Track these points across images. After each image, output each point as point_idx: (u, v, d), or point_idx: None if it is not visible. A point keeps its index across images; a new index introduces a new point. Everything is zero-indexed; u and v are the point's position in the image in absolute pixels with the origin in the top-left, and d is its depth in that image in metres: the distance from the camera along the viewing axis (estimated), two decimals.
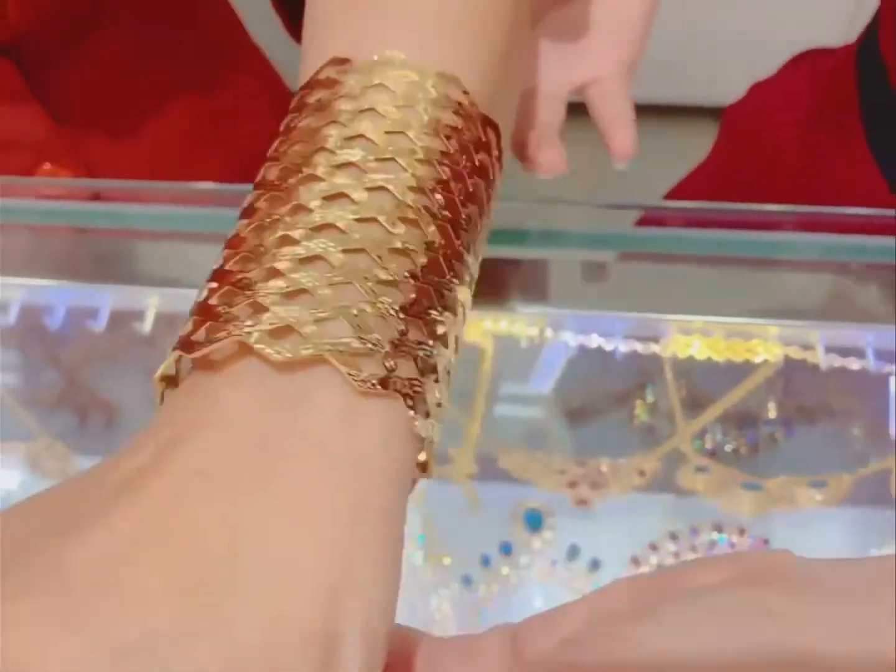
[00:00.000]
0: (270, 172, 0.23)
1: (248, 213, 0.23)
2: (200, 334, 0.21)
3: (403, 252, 0.22)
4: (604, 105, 0.34)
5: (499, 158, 0.25)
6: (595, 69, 0.34)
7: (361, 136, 0.22)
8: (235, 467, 0.19)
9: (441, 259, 0.22)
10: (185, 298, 0.22)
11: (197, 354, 0.20)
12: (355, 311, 0.20)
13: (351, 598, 0.19)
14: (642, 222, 0.40)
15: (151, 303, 0.42)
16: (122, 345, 0.46)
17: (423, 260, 0.22)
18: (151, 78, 0.57)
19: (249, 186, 0.24)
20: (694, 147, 0.80)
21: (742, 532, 0.58)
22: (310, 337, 0.20)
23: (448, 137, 0.23)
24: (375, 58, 0.23)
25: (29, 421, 0.52)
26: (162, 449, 0.20)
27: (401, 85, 0.23)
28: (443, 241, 0.22)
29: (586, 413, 0.52)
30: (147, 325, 0.43)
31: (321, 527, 0.19)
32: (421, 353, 0.21)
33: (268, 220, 0.22)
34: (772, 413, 0.52)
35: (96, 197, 0.42)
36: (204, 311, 0.21)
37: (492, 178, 0.25)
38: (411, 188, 0.22)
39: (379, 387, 0.20)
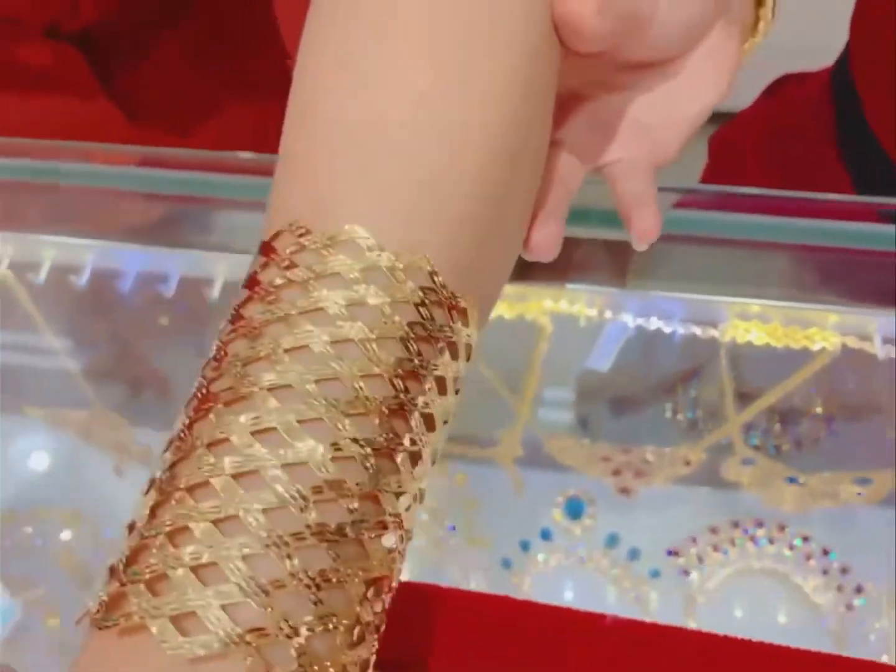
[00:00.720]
0: (209, 374, 0.22)
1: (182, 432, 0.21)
2: (113, 600, 0.20)
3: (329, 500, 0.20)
4: (627, 183, 0.32)
5: (477, 324, 0.23)
6: (623, 153, 0.32)
7: (306, 346, 0.21)
8: None
9: (368, 495, 0.21)
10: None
11: (104, 628, 0.20)
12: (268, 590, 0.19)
13: None
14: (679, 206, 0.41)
15: (220, 270, 0.43)
16: (184, 316, 0.47)
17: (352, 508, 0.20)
18: (213, 77, 0.58)
19: None
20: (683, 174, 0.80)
21: (782, 528, 0.58)
22: (215, 626, 0.19)
23: (406, 340, 0.21)
24: (333, 232, 0.21)
25: (86, 389, 0.53)
26: None
27: (356, 275, 0.21)
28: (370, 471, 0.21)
29: (635, 401, 0.53)
30: (215, 292, 0.44)
31: None
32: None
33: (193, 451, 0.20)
34: (819, 409, 0.52)
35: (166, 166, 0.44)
36: (115, 574, 0.20)
37: (457, 354, 0.23)
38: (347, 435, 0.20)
39: None
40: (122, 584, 0.20)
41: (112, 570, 0.21)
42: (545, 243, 0.29)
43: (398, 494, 0.21)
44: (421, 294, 0.22)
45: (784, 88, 0.64)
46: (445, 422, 0.23)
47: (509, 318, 0.42)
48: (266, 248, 0.22)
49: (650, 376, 0.50)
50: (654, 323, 0.41)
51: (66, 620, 0.51)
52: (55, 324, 0.48)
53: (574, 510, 0.60)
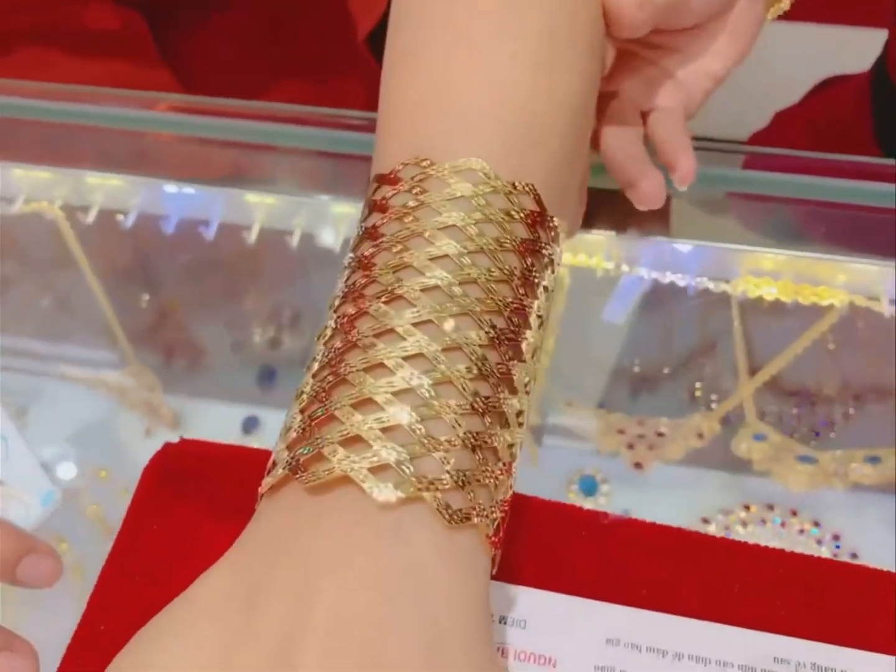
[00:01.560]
0: (359, 281, 0.25)
1: (344, 327, 0.25)
2: (308, 458, 0.23)
3: (482, 376, 0.24)
4: (667, 130, 0.36)
5: (559, 244, 0.28)
6: (663, 101, 0.37)
7: (446, 256, 0.25)
8: (362, 617, 0.22)
9: (506, 374, 0.25)
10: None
11: (309, 483, 0.23)
12: (446, 447, 0.23)
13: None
14: None
15: (257, 217, 0.46)
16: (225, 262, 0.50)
17: (494, 381, 0.24)
18: (271, 55, 0.62)
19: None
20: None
21: (794, 513, 0.59)
22: (408, 476, 0.23)
23: (523, 253, 0.26)
24: (456, 163, 0.25)
25: (125, 348, 0.55)
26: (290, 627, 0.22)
27: (478, 198, 0.25)
28: (506, 358, 0.25)
29: (651, 372, 0.54)
30: (252, 236, 0.46)
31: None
32: (493, 478, 0.24)
33: (360, 341, 0.24)
34: (831, 388, 0.53)
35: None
36: (309, 432, 0.24)
37: (554, 269, 0.27)
38: (489, 314, 0.25)
39: (465, 520, 0.23)
40: (313, 448, 0.23)
41: (295, 440, 0.24)
42: (654, 191, 0.34)
43: (525, 374, 0.26)
44: (530, 215, 0.26)
45: (826, 90, 0.66)
46: (541, 325, 0.27)
47: None
48: (392, 179, 0.26)
49: (666, 347, 0.51)
50: (669, 277, 0.43)
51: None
52: (99, 268, 0.50)
53: (587, 489, 0.61)
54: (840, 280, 0.42)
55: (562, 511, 0.32)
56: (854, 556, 0.56)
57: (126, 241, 0.48)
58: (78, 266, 0.50)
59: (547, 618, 0.30)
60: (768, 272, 0.42)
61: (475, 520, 0.23)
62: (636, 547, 0.31)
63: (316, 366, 0.25)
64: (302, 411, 0.25)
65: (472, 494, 0.23)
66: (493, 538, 0.24)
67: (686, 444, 0.55)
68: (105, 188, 0.46)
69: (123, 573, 0.30)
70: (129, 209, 0.47)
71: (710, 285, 0.43)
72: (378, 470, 0.23)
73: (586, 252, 0.43)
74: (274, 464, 0.25)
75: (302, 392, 0.25)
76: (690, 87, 0.37)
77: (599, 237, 0.42)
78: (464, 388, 0.24)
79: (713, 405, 0.53)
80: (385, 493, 0.22)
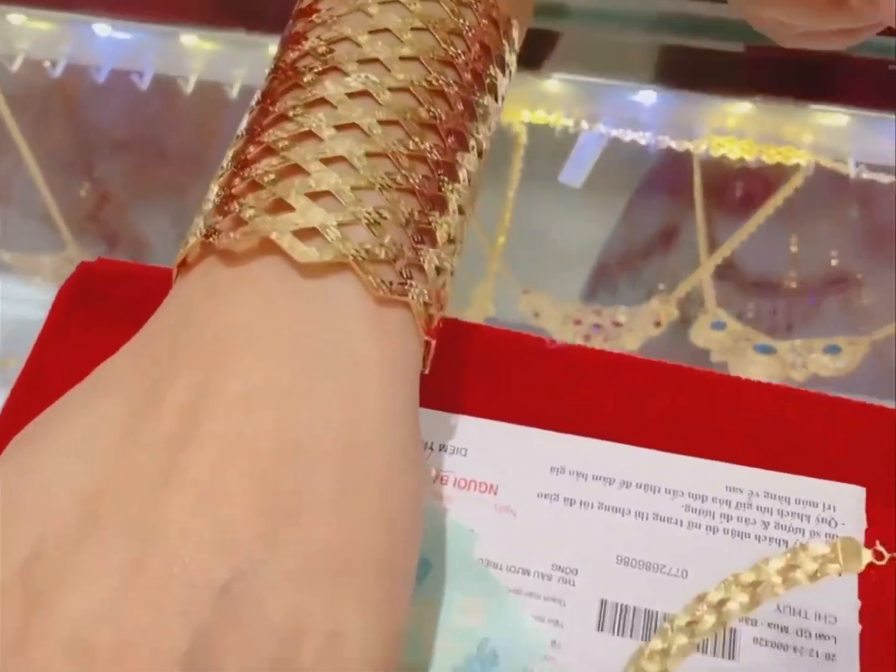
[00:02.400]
0: (290, 55, 0.23)
1: (267, 103, 0.23)
2: (224, 224, 0.21)
3: (422, 158, 0.22)
4: None
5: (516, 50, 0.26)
6: None
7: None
8: (278, 388, 0.20)
9: (452, 134, 0.23)
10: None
11: (224, 246, 0.21)
12: (378, 219, 0.21)
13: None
14: None
15: (194, 67, 0.43)
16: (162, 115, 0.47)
17: (433, 161, 0.22)
18: None
19: None
20: None
21: None
22: (334, 243, 0.20)
23: (471, 39, 0.23)
24: None
25: (64, 232, 0.52)
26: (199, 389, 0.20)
27: None
28: (448, 142, 0.23)
29: (609, 261, 0.52)
30: (189, 87, 0.43)
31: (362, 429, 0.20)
32: (432, 257, 0.22)
33: (288, 111, 0.22)
34: (792, 277, 0.52)
35: None
36: (228, 200, 0.21)
37: (504, 71, 0.25)
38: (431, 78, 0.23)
39: (395, 294, 0.21)
40: (232, 212, 0.21)
41: (211, 211, 0.22)
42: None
43: (476, 135, 0.24)
44: (481, 7, 0.24)
45: None
46: (486, 123, 0.25)
47: None
48: None
49: (629, 228, 0.49)
50: (630, 135, 0.41)
51: None
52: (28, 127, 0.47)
53: None
54: (806, 139, 0.40)
55: (505, 338, 0.30)
56: None
57: (54, 91, 0.45)
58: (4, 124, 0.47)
59: (489, 446, 0.28)
60: (732, 130, 0.41)
61: (407, 298, 0.21)
62: (582, 374, 0.29)
63: (239, 143, 0.23)
64: (221, 185, 0.22)
65: (404, 272, 0.21)
66: (426, 328, 0.22)
67: (644, 334, 0.53)
68: (32, 35, 0.43)
69: (31, 399, 0.28)
70: (58, 57, 0.44)
71: (673, 144, 0.41)
72: (303, 234, 0.20)
73: (545, 108, 0.41)
74: (186, 242, 0.22)
75: (221, 169, 0.23)
76: None
77: (560, 88, 0.40)
78: (399, 162, 0.22)
79: (672, 292, 0.52)
80: (309, 255, 0.20)
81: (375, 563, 0.20)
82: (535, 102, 0.41)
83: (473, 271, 0.51)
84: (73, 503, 0.19)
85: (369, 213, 0.21)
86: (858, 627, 0.26)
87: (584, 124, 0.41)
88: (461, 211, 0.24)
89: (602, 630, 0.25)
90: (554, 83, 0.40)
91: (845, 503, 0.27)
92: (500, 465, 0.28)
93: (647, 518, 0.27)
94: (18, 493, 0.20)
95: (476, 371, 0.29)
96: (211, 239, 0.21)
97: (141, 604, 0.18)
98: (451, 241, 0.23)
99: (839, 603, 0.26)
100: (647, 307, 0.52)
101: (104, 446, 0.20)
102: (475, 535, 0.27)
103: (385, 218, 0.21)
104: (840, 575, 0.26)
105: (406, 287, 0.21)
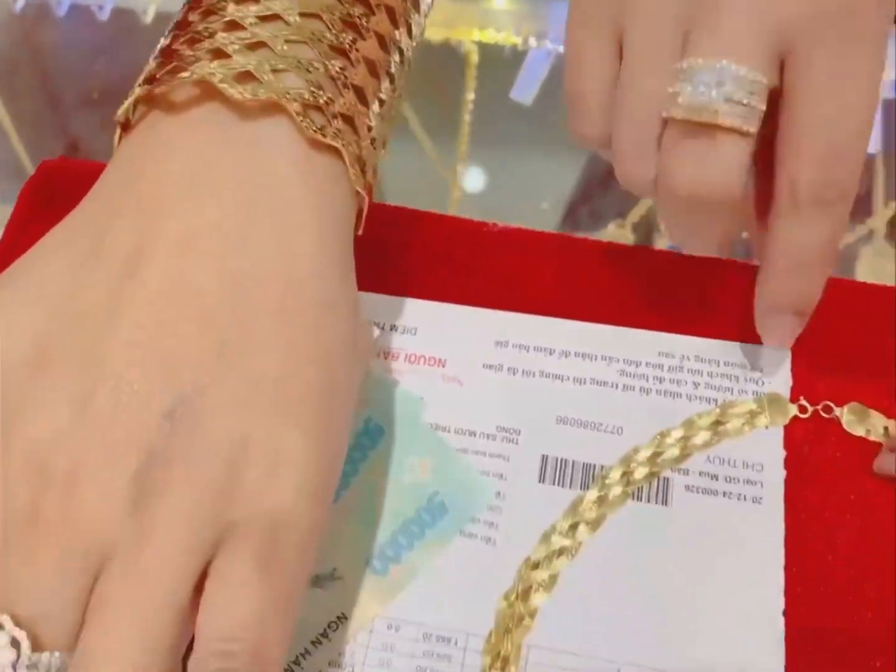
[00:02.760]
0: None
1: None
2: (165, 73, 0.22)
3: (352, 25, 0.23)
4: None
5: None
6: None
7: None
8: (217, 231, 0.21)
9: (384, 35, 0.24)
10: None
11: (161, 88, 0.22)
12: (309, 68, 0.22)
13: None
14: None
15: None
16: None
17: (369, 33, 0.23)
18: None
19: None
20: None
21: None
22: (269, 83, 0.21)
23: None
24: None
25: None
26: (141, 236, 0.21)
27: None
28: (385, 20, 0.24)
29: (572, 197, 0.54)
30: (148, 18, 0.44)
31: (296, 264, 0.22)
32: (363, 114, 0.23)
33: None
34: None
35: None
36: (168, 55, 0.22)
37: None
38: None
39: (328, 138, 0.22)
40: (172, 63, 0.22)
41: (161, 57, 0.23)
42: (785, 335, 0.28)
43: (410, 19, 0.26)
44: None
45: None
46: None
47: (436, 40, 0.43)
48: None
49: (586, 166, 0.51)
50: None
51: None
52: None
53: None
54: None
55: (451, 223, 0.31)
56: None
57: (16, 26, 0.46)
58: None
59: (437, 325, 0.30)
60: None
61: (338, 143, 0.22)
62: (523, 255, 0.31)
63: (179, 14, 0.24)
64: (161, 49, 0.23)
65: (335, 122, 0.23)
66: (360, 178, 0.23)
67: None
68: None
69: None
70: None
71: None
72: (239, 77, 0.22)
73: (495, 26, 0.42)
74: (127, 98, 0.23)
75: (161, 39, 0.24)
76: None
77: (509, 6, 0.41)
78: (330, 25, 0.23)
79: (626, 217, 0.53)
80: (244, 94, 0.21)
81: (312, 394, 0.21)
82: (484, 21, 0.42)
83: (435, 200, 0.52)
84: (29, 345, 0.21)
85: (301, 62, 0.22)
86: (783, 473, 0.27)
87: (533, 42, 0.43)
88: (392, 80, 0.25)
89: (543, 482, 0.27)
90: (502, 1, 0.42)
91: (772, 364, 0.29)
92: (448, 342, 0.29)
93: (584, 383, 0.29)
94: None
95: (424, 256, 0.31)
96: (151, 85, 0.22)
97: (92, 429, 0.20)
98: (381, 104, 0.24)
99: (766, 453, 0.28)
100: (605, 234, 0.54)
101: (55, 292, 0.21)
102: (424, 402, 0.28)
103: (316, 68, 0.22)
104: (767, 428, 0.28)
105: (337, 133, 0.23)
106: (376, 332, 0.28)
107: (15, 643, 0.19)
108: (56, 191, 0.30)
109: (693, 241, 0.26)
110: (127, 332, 0.20)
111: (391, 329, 0.30)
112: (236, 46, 0.22)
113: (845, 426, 0.28)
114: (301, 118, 0.22)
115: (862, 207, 0.50)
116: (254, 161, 0.22)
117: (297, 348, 0.21)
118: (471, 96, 0.44)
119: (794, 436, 0.28)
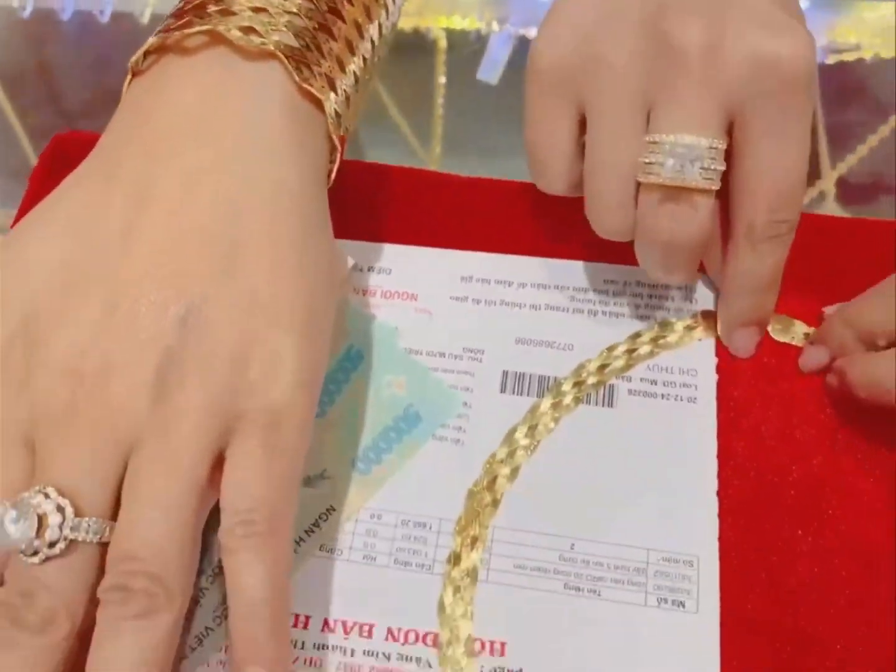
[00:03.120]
0: None
1: None
2: (178, 26, 0.26)
3: (335, 10, 0.28)
4: None
5: None
6: None
7: None
8: (216, 163, 0.25)
9: (360, 23, 0.28)
10: None
11: (175, 36, 0.26)
12: (301, 34, 0.26)
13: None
14: None
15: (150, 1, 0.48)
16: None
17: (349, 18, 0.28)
18: None
19: None
20: None
21: None
22: (268, 36, 0.26)
23: None
24: None
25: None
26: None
27: None
28: None
29: None
30: (145, 19, 0.48)
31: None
32: (342, 79, 0.28)
33: None
34: None
35: None
36: (180, 15, 0.27)
37: None
38: None
39: (314, 89, 0.26)
40: (189, 18, 0.26)
41: (176, 16, 0.27)
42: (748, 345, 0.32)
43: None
44: None
45: None
46: None
47: (407, 29, 0.47)
48: None
49: None
50: (535, 32, 0.46)
51: None
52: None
53: None
54: None
55: (419, 175, 0.35)
56: None
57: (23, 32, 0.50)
58: None
59: (409, 265, 0.34)
60: None
61: (322, 97, 0.27)
62: (484, 201, 0.34)
63: None
64: (173, 12, 0.27)
65: (321, 78, 0.27)
66: (335, 133, 0.28)
67: None
68: None
69: None
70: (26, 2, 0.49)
71: None
72: (244, 30, 0.26)
73: (460, 13, 0.46)
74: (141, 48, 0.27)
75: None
76: None
77: None
78: (318, 4, 0.27)
79: None
80: (248, 42, 0.26)
81: (300, 302, 0.25)
82: (450, 9, 0.46)
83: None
84: (56, 271, 0.24)
85: (296, 27, 0.27)
86: (715, 377, 0.31)
87: (495, 26, 0.47)
88: (364, 60, 0.29)
89: (504, 392, 0.31)
90: None
91: (703, 286, 0.33)
92: (419, 279, 0.33)
93: (539, 309, 0.33)
94: (13, 266, 0.25)
95: (396, 206, 0.35)
96: (167, 33, 0.26)
97: (118, 333, 0.24)
98: (355, 77, 0.28)
99: (700, 361, 0.31)
100: None
101: (78, 222, 0.25)
102: (399, 330, 0.32)
103: (307, 35, 0.27)
104: (700, 340, 0.32)
105: (321, 88, 0.27)
106: (351, 261, 0.31)
107: (60, 509, 0.22)
108: (68, 161, 0.34)
109: (669, 277, 0.30)
110: (141, 253, 0.24)
111: (368, 270, 0.34)
112: (243, 7, 0.26)
113: (771, 333, 0.32)
114: (293, 68, 0.26)
115: (811, 171, 0.54)
116: (250, 101, 0.26)
117: (284, 266, 0.25)
118: (442, 80, 0.48)
119: (725, 345, 0.32)
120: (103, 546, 0.23)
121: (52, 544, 0.22)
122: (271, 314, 0.25)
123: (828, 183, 0.54)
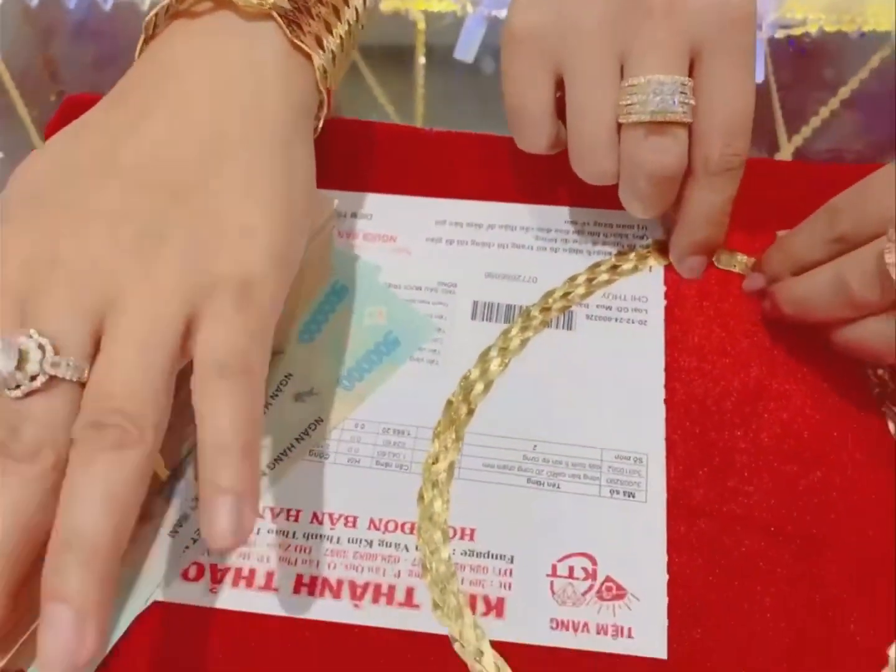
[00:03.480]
0: None
1: None
2: None
3: None
4: None
5: None
6: None
7: None
8: (210, 93, 0.28)
9: None
10: None
11: (187, 6, 0.30)
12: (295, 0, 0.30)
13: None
14: None
15: None
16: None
17: None
18: None
19: None
20: None
21: None
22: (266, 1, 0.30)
23: None
24: None
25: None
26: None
27: None
28: None
29: None
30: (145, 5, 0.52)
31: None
32: (330, 41, 0.31)
33: None
34: None
35: None
36: None
37: None
38: None
39: (305, 45, 0.30)
40: None
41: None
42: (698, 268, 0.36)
43: None
44: None
45: None
46: None
47: (387, 11, 0.51)
48: None
49: None
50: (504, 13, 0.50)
51: None
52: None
53: None
54: None
55: (397, 130, 0.39)
56: None
57: (31, 19, 0.54)
58: None
59: (388, 211, 0.37)
60: None
61: (312, 53, 0.30)
62: (455, 152, 0.38)
63: None
64: None
65: (311, 37, 0.30)
66: (323, 80, 0.31)
67: None
68: None
69: None
70: None
71: None
72: None
73: None
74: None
75: None
76: None
77: None
78: None
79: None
80: (248, 4, 0.29)
81: (279, 192, 0.28)
82: None
83: None
84: (58, 159, 0.28)
85: None
86: (664, 302, 0.35)
87: (469, 7, 0.50)
88: (349, 27, 0.32)
89: (475, 319, 0.34)
90: None
91: (653, 224, 0.36)
92: (397, 223, 0.37)
93: (507, 247, 0.36)
94: (23, 164, 0.28)
95: (376, 158, 0.38)
96: (178, 1, 0.30)
97: (103, 204, 0.26)
98: (340, 40, 0.32)
99: (650, 288, 0.35)
100: None
101: (79, 130, 0.29)
102: (380, 268, 0.36)
103: (300, 1, 0.31)
104: (651, 270, 0.35)
105: (311, 45, 0.30)
106: (336, 201, 0.35)
107: (41, 347, 0.23)
108: None
109: (650, 211, 0.34)
110: (139, 146, 0.27)
111: (352, 216, 0.37)
112: None
113: (716, 263, 0.35)
114: (285, 25, 0.29)
115: (769, 145, 0.58)
116: (249, 48, 0.29)
117: (267, 162, 0.28)
118: (422, 60, 0.52)
119: (674, 274, 0.35)
120: (83, 388, 0.24)
121: (33, 377, 0.23)
122: (246, 197, 0.27)
123: (785, 154, 0.58)
